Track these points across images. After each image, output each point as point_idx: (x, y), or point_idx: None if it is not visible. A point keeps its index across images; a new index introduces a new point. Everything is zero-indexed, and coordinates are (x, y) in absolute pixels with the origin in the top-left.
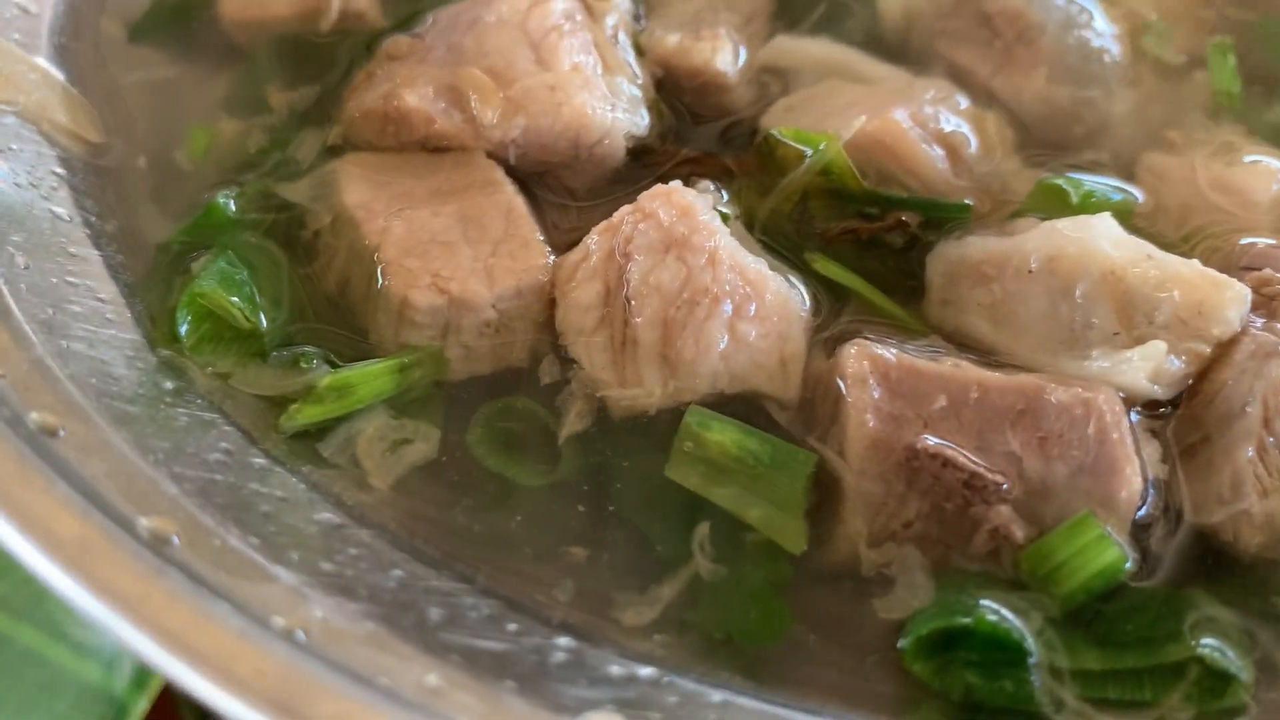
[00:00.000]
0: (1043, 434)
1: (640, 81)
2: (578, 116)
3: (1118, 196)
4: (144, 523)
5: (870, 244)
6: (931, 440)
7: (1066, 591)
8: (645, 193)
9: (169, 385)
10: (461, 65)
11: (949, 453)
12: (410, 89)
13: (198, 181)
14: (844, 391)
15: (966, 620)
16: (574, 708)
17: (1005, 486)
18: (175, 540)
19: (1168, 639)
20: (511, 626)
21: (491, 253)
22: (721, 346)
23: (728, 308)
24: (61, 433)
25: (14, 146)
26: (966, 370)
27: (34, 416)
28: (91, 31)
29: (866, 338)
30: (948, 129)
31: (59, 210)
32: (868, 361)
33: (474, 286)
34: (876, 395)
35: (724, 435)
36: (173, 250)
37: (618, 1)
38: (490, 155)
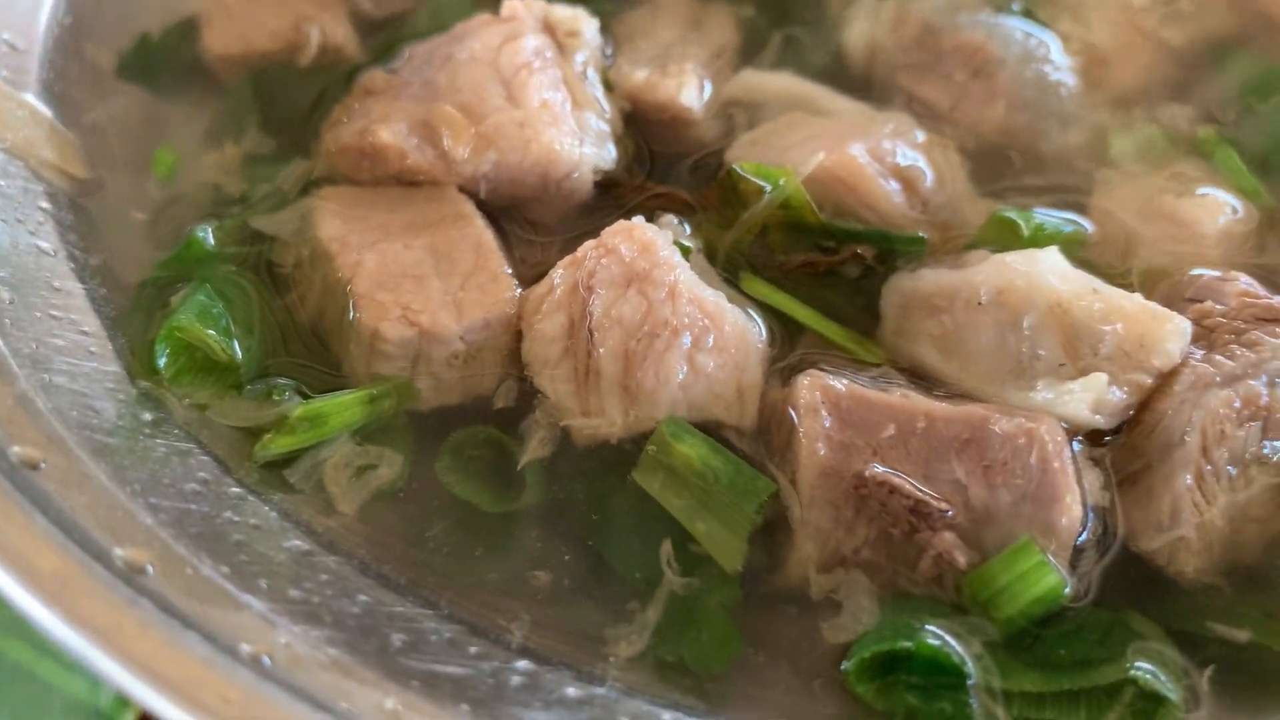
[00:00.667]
0: (987, 463)
1: (608, 116)
2: (546, 152)
3: (1068, 228)
4: (120, 553)
5: (827, 275)
6: (879, 468)
7: (1006, 616)
8: (608, 229)
9: (148, 417)
10: (435, 101)
11: (895, 480)
12: (384, 125)
13: (180, 215)
14: (796, 421)
15: (908, 644)
16: None
17: (949, 513)
18: (150, 570)
19: (1103, 662)
20: (473, 649)
21: (461, 286)
22: (680, 377)
23: (686, 340)
24: (43, 465)
25: (1, 183)
26: (914, 401)
27: (16, 450)
28: (78, 68)
29: (821, 368)
30: (904, 163)
31: (44, 245)
32: (819, 392)
33: (443, 319)
34: (827, 425)
35: (692, 449)
36: (153, 284)
37: (587, 38)
38: (462, 189)
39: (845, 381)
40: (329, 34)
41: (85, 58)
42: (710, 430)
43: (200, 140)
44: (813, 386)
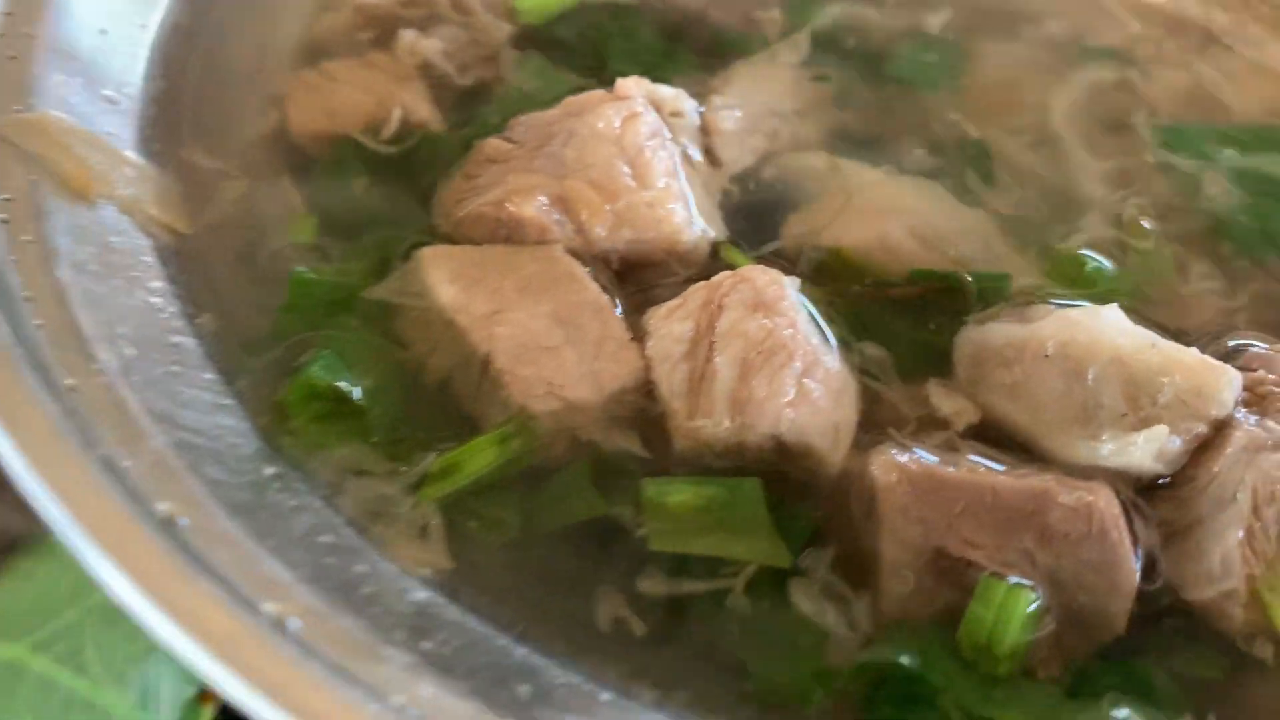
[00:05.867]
0: (1051, 534)
1: (715, 192)
2: (674, 231)
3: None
4: (269, 608)
5: (904, 320)
6: (954, 546)
7: (1009, 648)
8: (746, 266)
9: (270, 471)
10: (566, 176)
11: (972, 555)
12: (525, 199)
13: (284, 271)
14: (877, 498)
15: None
16: None
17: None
18: (298, 624)
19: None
20: (604, 697)
21: (595, 355)
22: (789, 396)
23: (798, 366)
24: (183, 522)
25: (113, 240)
26: (980, 475)
27: (162, 507)
28: (173, 132)
29: (893, 440)
30: (936, 230)
31: (156, 301)
32: (895, 473)
33: (585, 391)
34: (905, 503)
35: (683, 494)
36: (275, 335)
37: (690, 118)
38: (595, 258)
39: (916, 457)
40: (411, 111)
41: (180, 122)
42: (797, 461)
43: (294, 203)
44: (888, 468)
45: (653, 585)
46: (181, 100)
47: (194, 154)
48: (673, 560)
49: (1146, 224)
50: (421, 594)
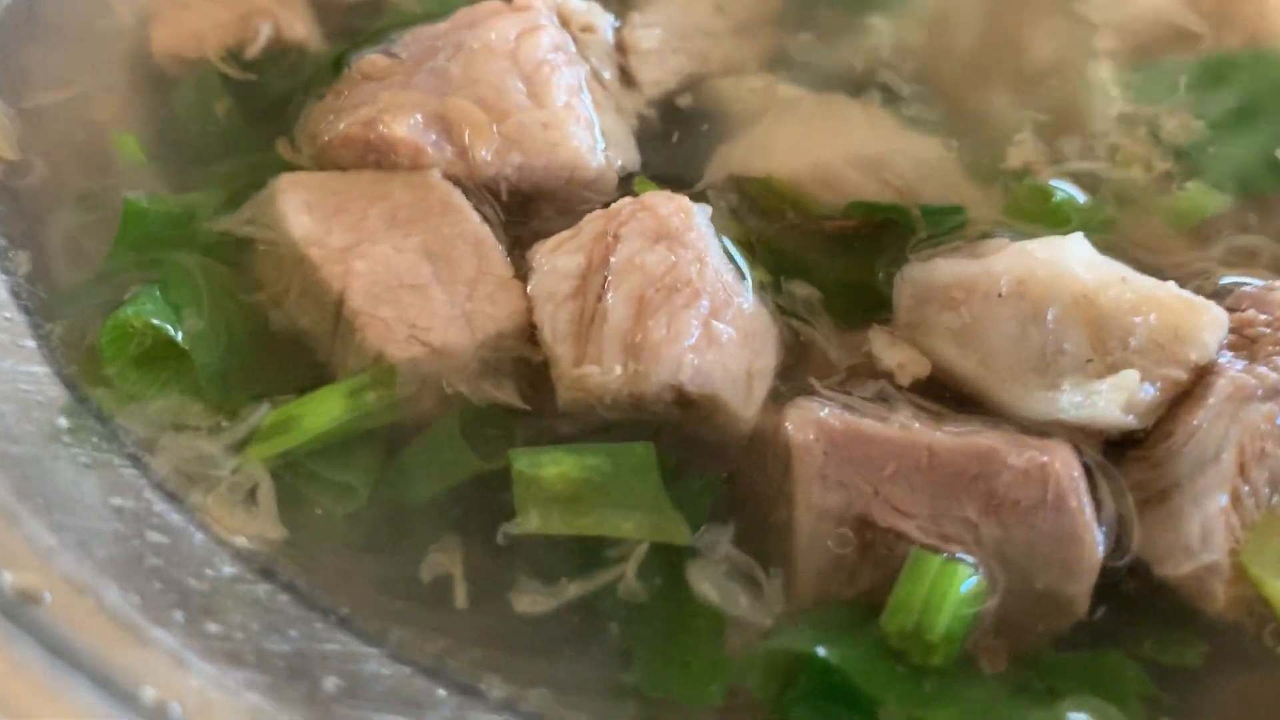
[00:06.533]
0: (998, 501)
1: (630, 115)
2: (573, 156)
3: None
4: (9, 578)
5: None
6: (881, 515)
7: (943, 632)
8: (649, 192)
9: (64, 423)
10: (449, 93)
11: (901, 526)
12: (397, 117)
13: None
14: (792, 459)
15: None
16: None
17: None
18: (47, 598)
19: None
20: (439, 693)
21: (468, 295)
22: (692, 339)
23: (705, 305)
24: None
25: None
26: (915, 433)
27: None
28: (14, 50)
29: (813, 393)
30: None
31: None
32: (813, 430)
33: (455, 336)
34: (824, 465)
35: (560, 464)
36: (103, 272)
37: (604, 34)
38: (481, 186)
39: (839, 412)
40: (285, 28)
41: (24, 39)
42: (704, 416)
43: (144, 130)
44: (804, 424)
45: (527, 589)
46: (30, 14)
47: (36, 75)
48: (549, 541)
49: (1130, 149)
50: (229, 569)
